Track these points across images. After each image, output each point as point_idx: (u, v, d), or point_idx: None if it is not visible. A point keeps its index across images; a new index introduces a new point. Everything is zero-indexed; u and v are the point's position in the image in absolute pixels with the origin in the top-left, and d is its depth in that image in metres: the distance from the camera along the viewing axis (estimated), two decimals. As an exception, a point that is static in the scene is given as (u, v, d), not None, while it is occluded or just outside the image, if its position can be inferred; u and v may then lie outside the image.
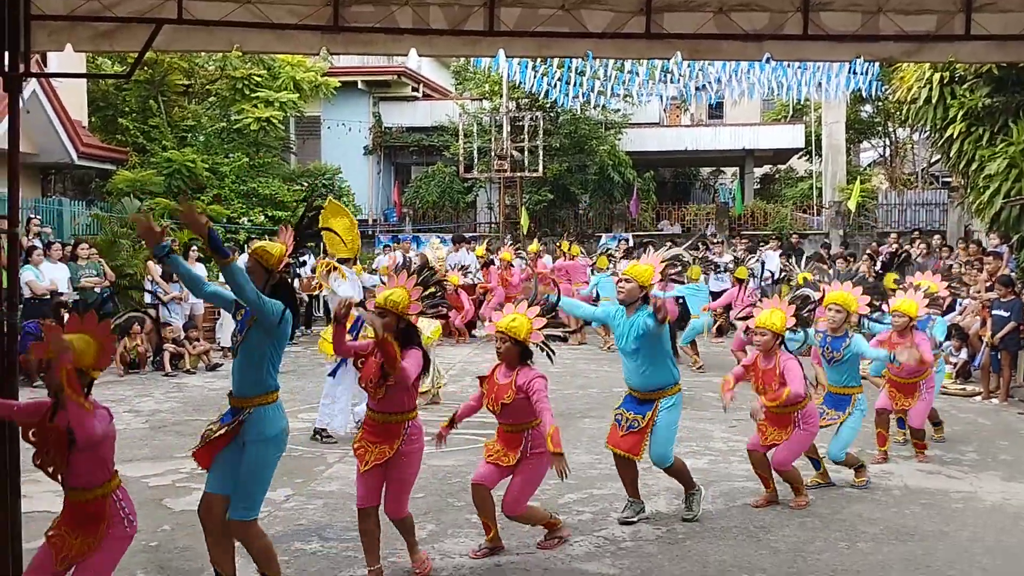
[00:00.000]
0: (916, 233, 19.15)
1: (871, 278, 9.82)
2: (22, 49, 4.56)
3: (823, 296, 7.09)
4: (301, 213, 4.94)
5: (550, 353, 5.59)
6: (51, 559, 3.81)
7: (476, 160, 22.56)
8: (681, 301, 12.36)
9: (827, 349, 7.08)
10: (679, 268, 6.73)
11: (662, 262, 6.20)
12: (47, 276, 12.27)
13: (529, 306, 5.46)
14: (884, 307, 7.52)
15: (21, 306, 5.39)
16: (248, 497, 4.48)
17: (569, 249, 16.59)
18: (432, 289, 5.28)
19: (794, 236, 20.65)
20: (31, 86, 14.90)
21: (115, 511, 3.85)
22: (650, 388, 6.04)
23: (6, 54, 4.53)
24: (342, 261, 8.80)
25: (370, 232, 22.86)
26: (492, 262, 16.59)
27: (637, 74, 21.53)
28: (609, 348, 14.18)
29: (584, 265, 15.91)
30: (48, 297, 12.03)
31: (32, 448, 3.84)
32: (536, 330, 5.39)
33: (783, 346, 6.44)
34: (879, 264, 15.58)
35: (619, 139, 24.95)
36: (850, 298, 7.01)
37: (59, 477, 3.83)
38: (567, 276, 15.68)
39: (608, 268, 14.31)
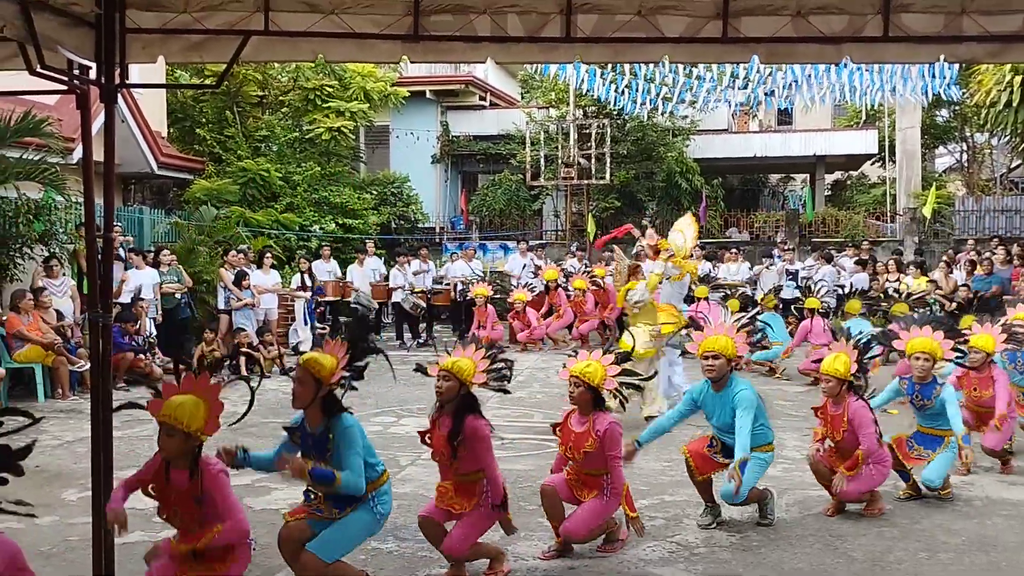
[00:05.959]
0: (995, 240, 18.55)
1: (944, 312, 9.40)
2: (118, 61, 4.76)
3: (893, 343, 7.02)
4: (352, 326, 4.93)
5: (623, 400, 5.75)
6: None
7: (543, 168, 22.62)
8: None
9: (917, 397, 6.88)
10: (759, 334, 6.70)
11: (738, 331, 6.17)
12: (133, 282, 12.77)
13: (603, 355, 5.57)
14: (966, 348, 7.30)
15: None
16: None
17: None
18: (498, 364, 5.33)
19: (865, 243, 20.20)
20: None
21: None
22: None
23: (101, 66, 4.75)
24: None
25: (437, 240, 23.12)
26: (560, 285, 16.52)
27: (705, 80, 21.34)
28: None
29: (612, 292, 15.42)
30: (128, 302, 12.48)
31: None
32: (610, 377, 5.48)
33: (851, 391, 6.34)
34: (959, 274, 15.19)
35: (687, 146, 24.80)
36: (936, 345, 6.77)
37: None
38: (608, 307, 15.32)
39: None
